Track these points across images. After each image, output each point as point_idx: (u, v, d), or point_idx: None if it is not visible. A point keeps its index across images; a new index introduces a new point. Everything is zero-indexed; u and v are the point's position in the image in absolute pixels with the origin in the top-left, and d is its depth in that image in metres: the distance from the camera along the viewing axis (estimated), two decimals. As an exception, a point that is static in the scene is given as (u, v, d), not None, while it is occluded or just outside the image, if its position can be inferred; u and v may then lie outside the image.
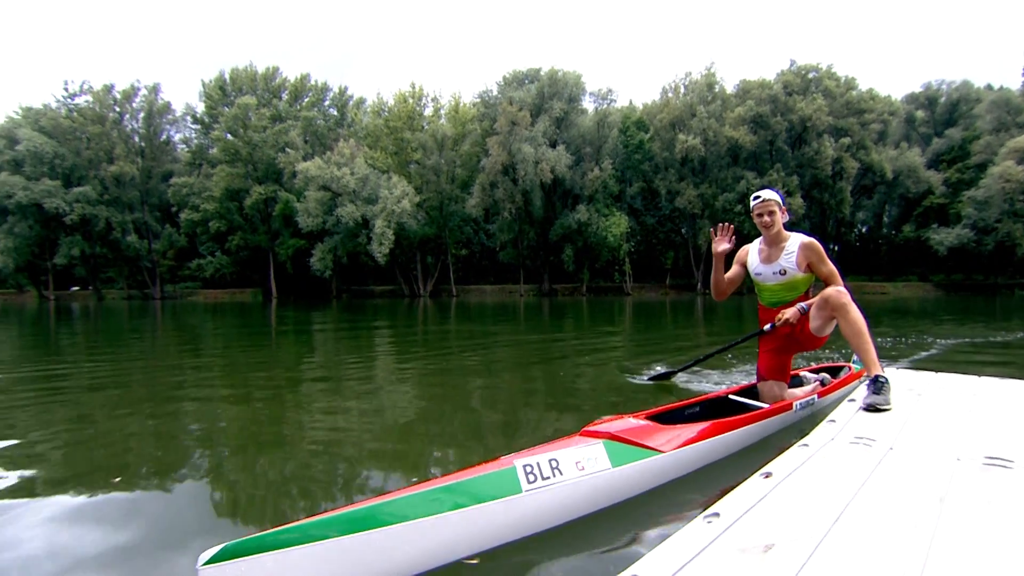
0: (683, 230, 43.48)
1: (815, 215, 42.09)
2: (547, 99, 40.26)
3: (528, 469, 1.80)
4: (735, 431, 2.50)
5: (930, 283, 41.31)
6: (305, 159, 41.73)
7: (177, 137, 51.09)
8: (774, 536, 1.29)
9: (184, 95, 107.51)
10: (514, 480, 1.76)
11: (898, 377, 3.42)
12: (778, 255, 3.07)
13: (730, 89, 41.47)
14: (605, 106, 41.95)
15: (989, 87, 45.58)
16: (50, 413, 3.71)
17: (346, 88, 49.39)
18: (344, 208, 39.10)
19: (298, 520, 1.44)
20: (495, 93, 42.29)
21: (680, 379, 4.40)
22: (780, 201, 3.07)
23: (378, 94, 44.81)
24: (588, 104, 42.35)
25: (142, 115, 47.95)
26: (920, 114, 46.80)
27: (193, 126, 49.28)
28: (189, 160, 48.19)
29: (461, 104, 44.08)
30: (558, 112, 39.66)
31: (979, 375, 3.53)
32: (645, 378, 4.53)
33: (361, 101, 49.00)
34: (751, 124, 39.16)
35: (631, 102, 46.64)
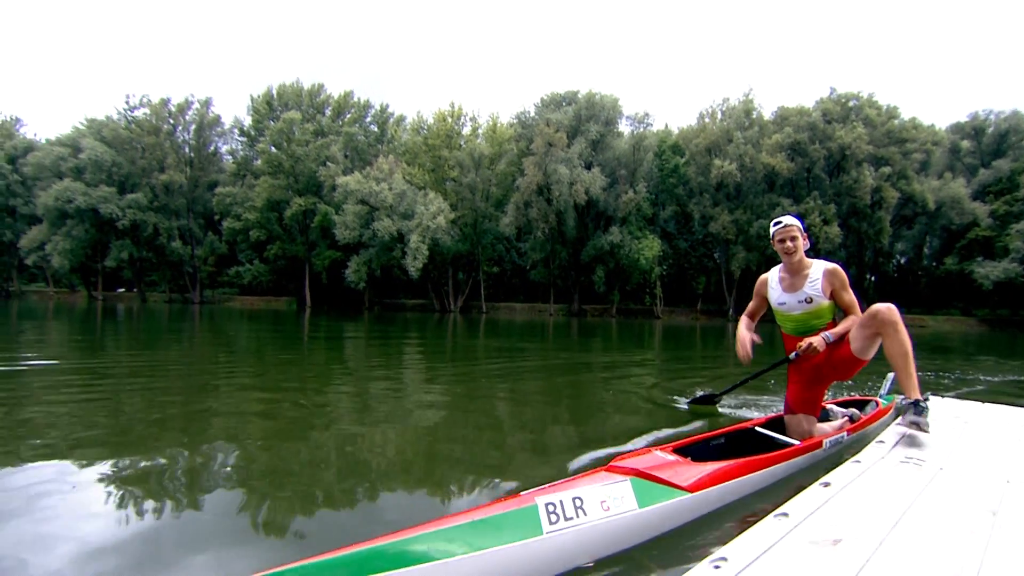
0: (716, 255, 43.12)
1: (852, 244, 41.33)
2: (583, 121, 40.73)
3: (551, 508, 1.72)
4: (764, 470, 2.41)
5: (973, 318, 39.99)
6: (345, 173, 42.97)
7: (224, 149, 53.20)
8: (841, 533, 1.43)
9: (233, 109, 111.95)
10: (535, 520, 1.67)
11: (944, 405, 3.46)
12: (802, 283, 2.99)
13: (768, 116, 41.28)
14: (641, 129, 42.16)
15: (1039, 116, 44.30)
16: (88, 412, 4.00)
17: (387, 106, 50.83)
18: (381, 222, 40.02)
19: (305, 559, 1.38)
20: (532, 114, 42.97)
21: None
22: (801, 227, 3.02)
23: (418, 112, 46.43)
24: (624, 127, 42.67)
25: (193, 127, 50.13)
26: (965, 144, 45.72)
27: (240, 138, 51.25)
28: (234, 171, 50.07)
29: (499, 124, 44.88)
30: (594, 134, 40.05)
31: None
32: (684, 403, 4.53)
33: (401, 119, 50.37)
34: (788, 151, 38.84)
35: (667, 126, 46.75)
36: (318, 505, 2.32)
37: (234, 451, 3.06)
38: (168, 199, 48.48)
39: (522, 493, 1.83)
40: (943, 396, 4.10)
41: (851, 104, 40.49)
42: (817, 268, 2.98)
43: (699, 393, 4.68)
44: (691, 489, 2.07)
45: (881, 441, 2.48)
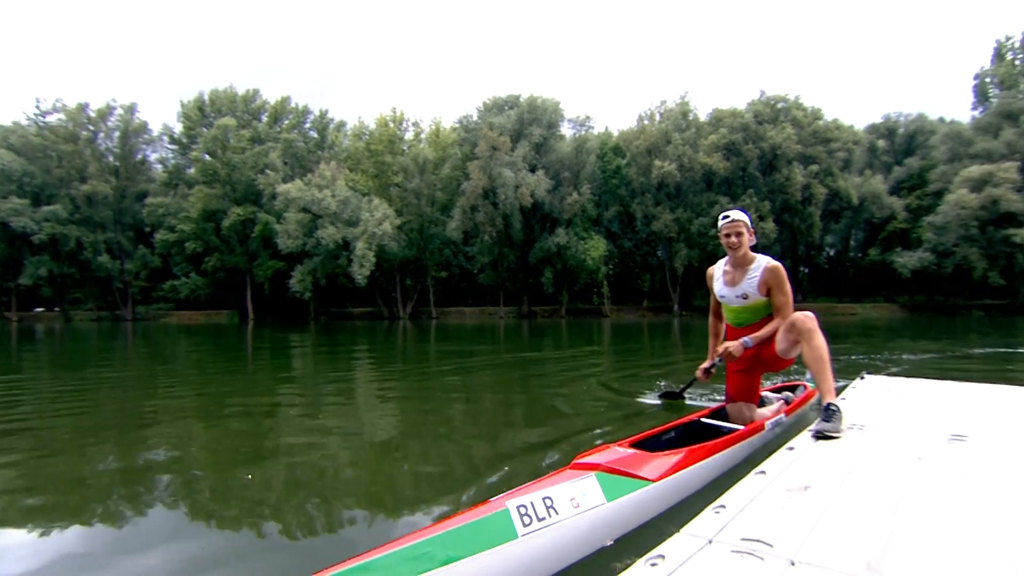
0: (659, 253, 44.41)
1: (786, 239, 43.46)
2: (526, 125, 41.13)
3: (523, 510, 1.68)
4: (718, 454, 2.50)
5: (896, 304, 42.85)
6: (285, 181, 41.69)
7: (153, 157, 50.62)
8: (776, 525, 1.53)
9: (162, 115, 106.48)
10: (508, 524, 1.63)
11: (875, 383, 3.78)
12: (742, 278, 3.04)
13: (703, 117, 42.91)
14: (583, 132, 43.01)
15: (942, 120, 47.96)
16: (7, 442, 3.68)
17: (327, 111, 49.75)
18: (325, 230, 39.06)
19: None
20: (475, 119, 43.06)
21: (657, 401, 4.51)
22: (748, 223, 3.04)
23: (359, 118, 45.43)
24: (566, 130, 43.43)
25: (117, 134, 47.43)
26: (881, 144, 48.96)
27: (171, 146, 48.86)
28: (165, 180, 47.64)
29: (442, 129, 44.66)
30: (537, 138, 40.52)
31: (942, 380, 3.97)
32: (655, 397, 4.59)
33: (342, 124, 49.35)
34: (724, 151, 40.50)
35: (608, 129, 47.89)
36: (272, 533, 2.15)
37: (173, 480, 2.85)
38: (92, 211, 45.57)
39: (491, 499, 1.80)
40: (871, 375, 4.39)
41: (780, 106, 42.63)
42: (759, 265, 3.01)
43: (666, 389, 4.82)
44: (654, 479, 2.10)
45: (791, 448, 2.66)
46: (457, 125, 44.01)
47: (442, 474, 2.87)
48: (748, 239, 3.03)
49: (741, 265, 3.06)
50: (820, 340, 2.83)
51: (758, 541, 1.39)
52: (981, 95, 43.70)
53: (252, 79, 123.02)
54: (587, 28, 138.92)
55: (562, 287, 42.49)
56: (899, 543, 1.37)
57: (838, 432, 2.49)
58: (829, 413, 2.54)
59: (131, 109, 47.34)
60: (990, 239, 37.93)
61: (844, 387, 3.79)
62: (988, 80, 43.10)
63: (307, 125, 49.16)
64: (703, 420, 3.11)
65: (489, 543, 1.54)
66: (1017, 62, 41.97)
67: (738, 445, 2.70)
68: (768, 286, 2.99)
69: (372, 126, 44.02)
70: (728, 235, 3.00)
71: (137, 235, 49.51)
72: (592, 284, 42.83)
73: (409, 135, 44.77)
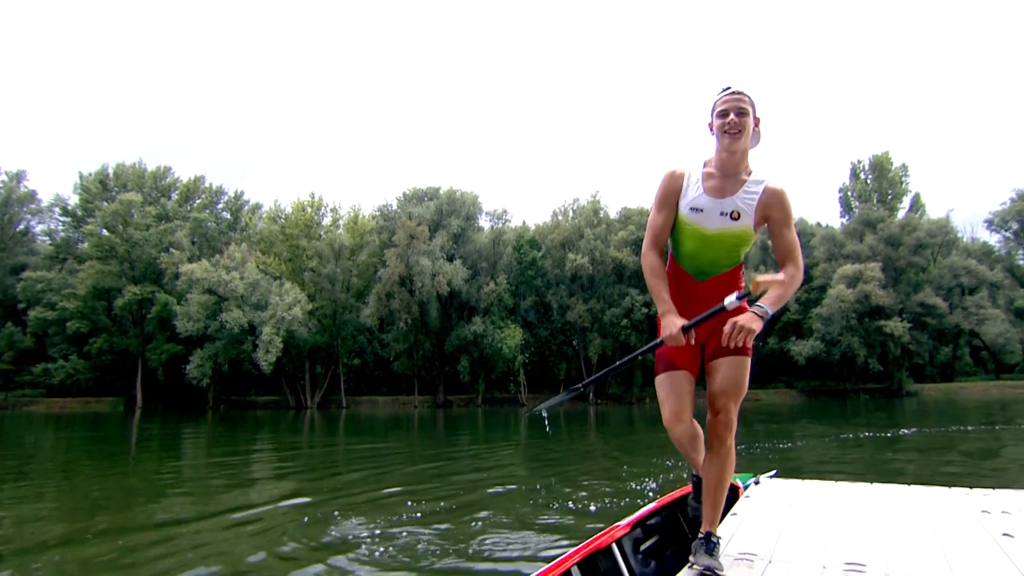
0: (574, 342, 45.47)
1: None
2: (445, 216, 42.10)
3: None
4: None
5: (795, 389, 46.00)
6: (191, 261, 39.74)
7: (39, 228, 46.93)
8: None
9: (57, 186, 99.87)
10: None
11: (773, 487, 3.65)
12: (736, 188, 2.01)
13: (613, 214, 45.75)
14: (500, 225, 44.53)
15: (819, 224, 53.90)
16: None
17: (242, 192, 48.77)
18: (230, 313, 37.18)
19: None
20: (395, 208, 43.70)
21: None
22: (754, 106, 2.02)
23: (275, 201, 44.69)
24: (484, 222, 44.84)
25: (-2, 202, 43.87)
26: (771, 242, 53.93)
27: (62, 218, 45.59)
28: (51, 254, 44.08)
29: (360, 216, 44.77)
30: (455, 228, 41.47)
31: (835, 480, 3.90)
32: (526, 414, 4.33)
33: (257, 207, 48.30)
34: (632, 246, 43.04)
35: (524, 223, 49.93)
36: None
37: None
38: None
39: None
40: (770, 477, 4.18)
41: (680, 207, 46.33)
42: (759, 180, 2.04)
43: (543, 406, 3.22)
44: None
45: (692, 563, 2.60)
46: (376, 213, 44.40)
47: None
48: (752, 131, 2.03)
49: (734, 170, 2.02)
50: (733, 456, 2.20)
51: None
52: (846, 206, 49.91)
53: (164, 155, 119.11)
54: (506, 124, 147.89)
55: (479, 375, 42.20)
56: None
57: (721, 569, 2.08)
58: (711, 546, 2.15)
59: (18, 176, 44.27)
60: (867, 329, 42.13)
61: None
62: (850, 194, 49.38)
63: (220, 206, 47.77)
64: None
65: None
66: (869, 180, 48.64)
67: None
68: (769, 216, 2.03)
69: (288, 210, 43.41)
70: (725, 113, 1.97)
71: (6, 311, 44.69)
72: (509, 372, 42.87)
73: (327, 220, 44.51)
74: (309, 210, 42.96)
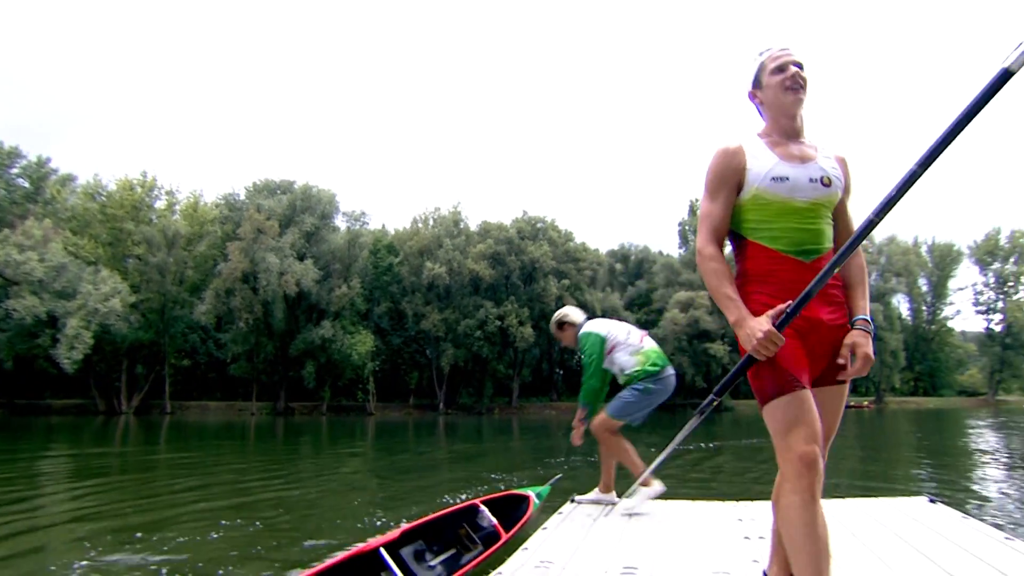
0: (428, 351, 45.27)
1: (543, 344, 47.96)
2: (299, 212, 40.05)
3: None
4: None
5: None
6: (-28, 235, 33.51)
7: None
8: None
9: None
10: None
11: (586, 507, 3.93)
12: (812, 153, 1.73)
13: (473, 227, 46.64)
14: (358, 227, 43.35)
15: (660, 253, 59.52)
16: None
17: (48, 159, 41.95)
18: (20, 300, 31.95)
19: None
20: (242, 198, 40.69)
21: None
22: None
23: (95, 175, 38.74)
24: (341, 223, 43.36)
25: None
26: (619, 266, 58.48)
27: None
28: None
29: (202, 203, 40.94)
30: (309, 226, 39.58)
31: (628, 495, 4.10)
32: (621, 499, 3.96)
33: (69, 178, 41.73)
34: (490, 260, 44.15)
35: (384, 227, 49.03)
36: None
37: None
38: None
39: None
40: (581, 499, 4.19)
41: (539, 225, 48.52)
42: (822, 146, 1.78)
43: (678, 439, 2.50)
44: None
45: (525, 548, 2.79)
46: (220, 202, 40.96)
47: None
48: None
49: (797, 136, 1.75)
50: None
51: None
52: (683, 238, 55.68)
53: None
54: (370, 124, 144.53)
55: (325, 382, 40.28)
56: None
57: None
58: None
59: None
60: (695, 350, 46.88)
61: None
62: (687, 228, 55.24)
63: (14, 170, 40.70)
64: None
65: None
66: (701, 217, 55.10)
67: None
68: (846, 183, 1.78)
69: (112, 187, 38.30)
70: (783, 67, 1.69)
71: None
72: (357, 380, 41.46)
73: (160, 204, 40.05)
74: (140, 190, 38.34)
